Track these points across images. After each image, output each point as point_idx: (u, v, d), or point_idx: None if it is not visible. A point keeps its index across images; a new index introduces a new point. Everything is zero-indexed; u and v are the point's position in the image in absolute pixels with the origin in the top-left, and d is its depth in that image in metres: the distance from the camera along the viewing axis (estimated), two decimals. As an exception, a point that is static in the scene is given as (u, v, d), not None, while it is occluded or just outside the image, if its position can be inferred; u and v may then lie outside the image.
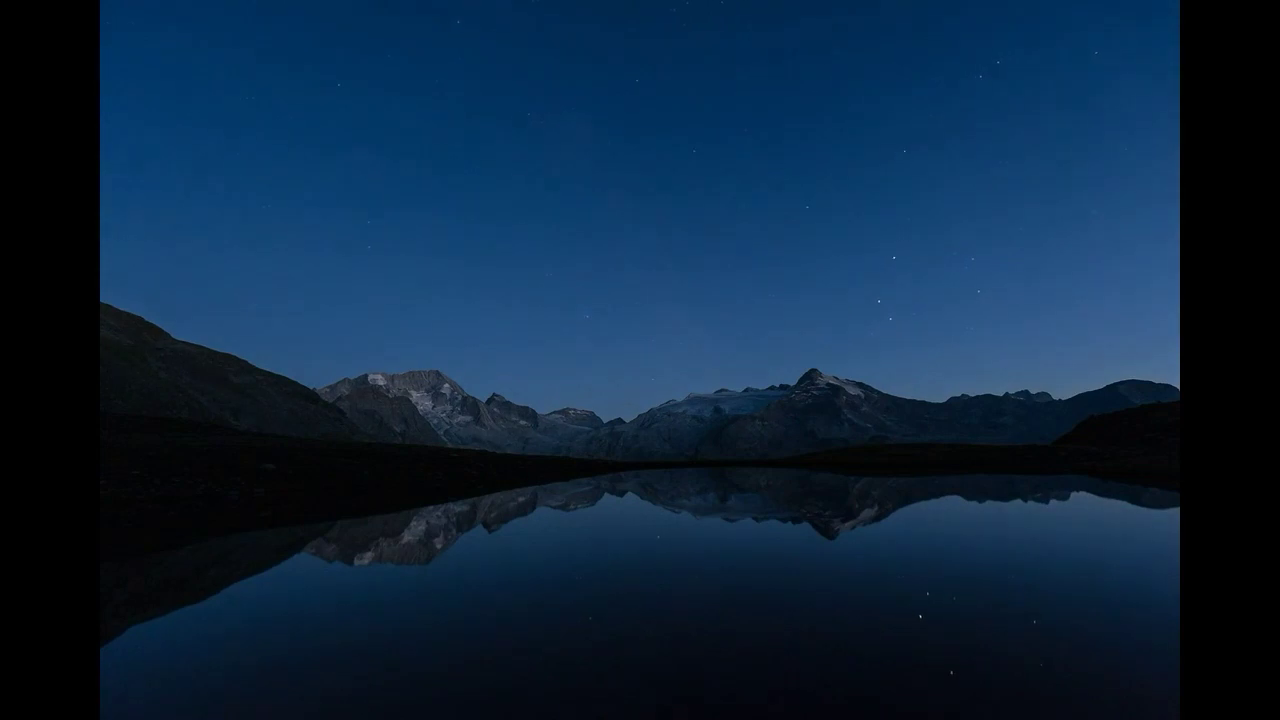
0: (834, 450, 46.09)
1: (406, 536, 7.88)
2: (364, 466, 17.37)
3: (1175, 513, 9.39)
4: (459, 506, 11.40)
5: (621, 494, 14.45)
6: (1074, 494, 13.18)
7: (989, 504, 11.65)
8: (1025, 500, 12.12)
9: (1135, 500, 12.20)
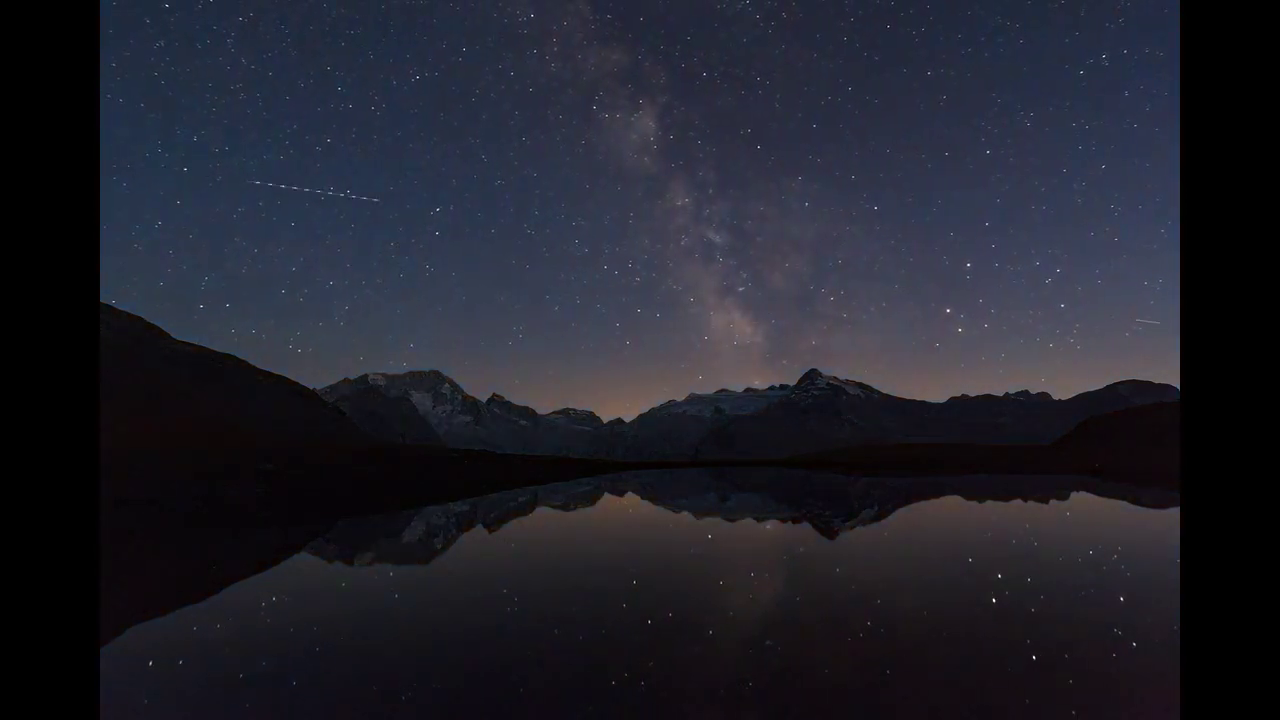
0: (834, 450, 46.05)
1: (406, 536, 7.88)
2: (364, 466, 17.37)
3: (1175, 513, 9.38)
4: (459, 506, 11.40)
5: (621, 494, 14.45)
6: (1073, 494, 13.17)
7: (989, 505, 11.64)
8: (1025, 501, 12.11)
9: (1135, 501, 12.19)
